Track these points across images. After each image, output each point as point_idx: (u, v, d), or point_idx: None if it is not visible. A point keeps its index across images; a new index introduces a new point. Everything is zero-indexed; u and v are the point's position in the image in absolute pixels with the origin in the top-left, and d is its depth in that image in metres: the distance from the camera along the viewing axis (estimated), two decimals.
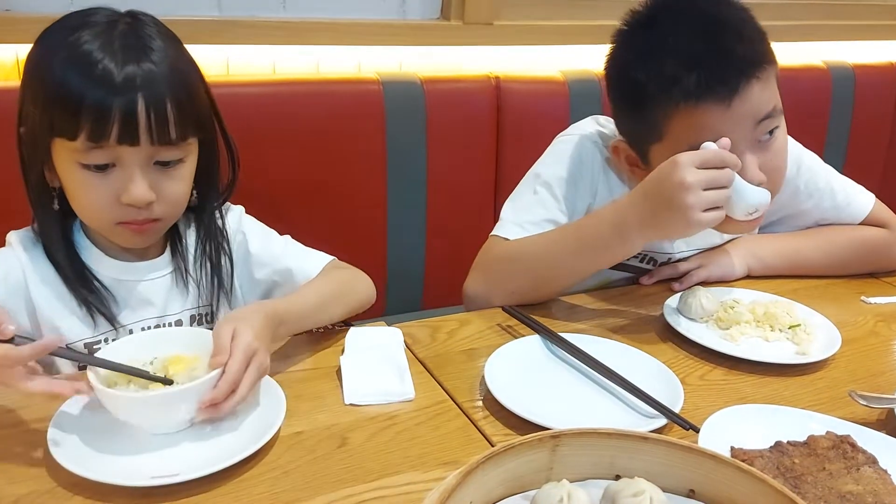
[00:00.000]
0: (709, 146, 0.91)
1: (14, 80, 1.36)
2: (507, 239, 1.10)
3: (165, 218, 0.93)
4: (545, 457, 0.62)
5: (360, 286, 1.05)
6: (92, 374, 0.73)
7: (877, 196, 1.29)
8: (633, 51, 1.04)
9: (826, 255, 1.20)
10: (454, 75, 1.67)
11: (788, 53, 2.11)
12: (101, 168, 0.86)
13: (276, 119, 1.44)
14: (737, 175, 0.92)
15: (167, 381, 0.74)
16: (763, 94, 1.00)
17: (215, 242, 1.02)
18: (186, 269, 1.00)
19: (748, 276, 1.19)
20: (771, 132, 1.02)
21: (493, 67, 1.70)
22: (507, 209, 1.15)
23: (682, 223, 0.90)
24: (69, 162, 0.86)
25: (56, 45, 0.86)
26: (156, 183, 0.88)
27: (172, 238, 1.01)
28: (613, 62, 1.09)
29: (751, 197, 0.94)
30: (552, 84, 1.70)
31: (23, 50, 1.38)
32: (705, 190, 0.88)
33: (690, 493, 0.62)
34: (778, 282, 1.16)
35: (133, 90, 0.83)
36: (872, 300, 1.12)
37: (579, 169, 1.14)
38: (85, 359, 0.81)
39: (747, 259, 1.19)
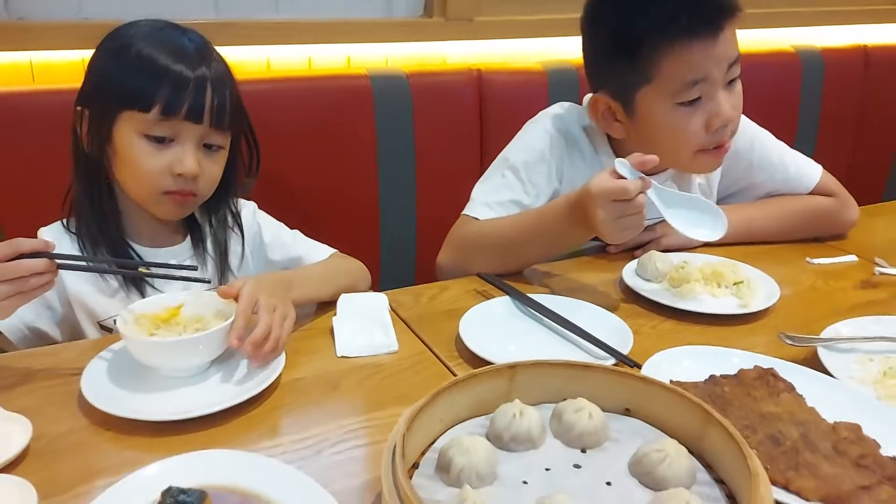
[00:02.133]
0: (621, 167, 1.00)
1: (28, 85, 1.48)
2: (476, 218, 1.21)
3: (200, 194, 1.08)
4: (504, 384, 0.73)
5: (359, 272, 1.19)
6: (121, 322, 0.85)
7: (846, 172, 1.40)
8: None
9: (778, 222, 1.31)
10: (438, 68, 1.79)
11: (758, 39, 2.22)
12: (161, 140, 1.02)
13: (272, 114, 1.54)
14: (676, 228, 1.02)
15: (192, 268, 0.93)
16: (734, 39, 1.13)
17: (225, 230, 1.17)
18: (205, 254, 1.15)
19: (706, 244, 1.30)
20: (733, 80, 1.16)
21: (475, 60, 1.82)
22: (478, 190, 1.27)
23: (608, 239, 1.06)
24: (133, 133, 1.01)
25: (133, 39, 1.02)
26: (201, 161, 1.05)
27: (191, 227, 1.16)
28: (597, 13, 1.19)
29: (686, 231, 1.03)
30: (532, 74, 1.80)
31: (36, 56, 1.51)
32: (619, 217, 1.00)
33: (626, 412, 0.73)
34: (731, 247, 1.27)
35: (205, 80, 1.01)
36: (816, 261, 1.23)
37: (545, 154, 1.26)
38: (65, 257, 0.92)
39: None
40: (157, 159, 1.02)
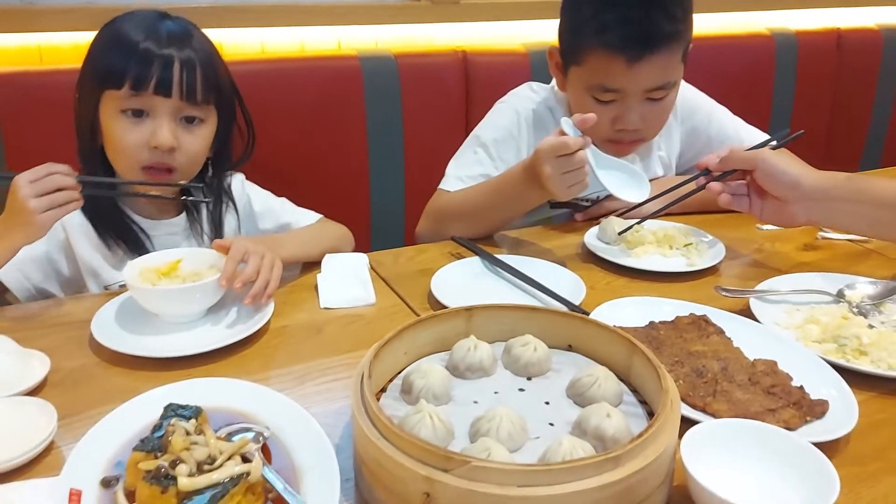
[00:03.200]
0: (565, 125, 1.11)
1: (36, 65, 1.58)
2: (449, 191, 1.32)
3: (180, 169, 1.15)
4: (462, 324, 0.84)
5: (343, 235, 1.31)
6: (126, 271, 0.96)
7: (822, 153, 1.49)
8: None
9: None
10: (425, 50, 1.88)
11: (734, 22, 2.30)
12: (137, 114, 1.10)
13: (266, 94, 1.63)
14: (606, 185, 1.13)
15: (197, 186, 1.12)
16: (663, 69, 1.23)
17: (220, 204, 1.26)
18: (200, 228, 1.24)
19: (668, 214, 1.40)
20: (661, 98, 1.26)
21: (461, 42, 1.91)
22: (452, 166, 1.38)
23: (557, 195, 1.15)
24: (112, 110, 1.10)
25: (116, 25, 1.13)
26: (179, 135, 1.12)
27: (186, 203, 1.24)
28: None
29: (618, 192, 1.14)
30: (515, 56, 1.89)
31: (44, 38, 1.60)
32: (564, 173, 1.10)
33: (569, 348, 0.84)
34: (689, 215, 1.37)
35: (172, 56, 1.09)
36: (766, 227, 1.33)
37: (513, 132, 1.38)
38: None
39: (665, 199, 1.39)
40: (134, 134, 1.10)
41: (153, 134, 1.10)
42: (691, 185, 1.21)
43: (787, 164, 1.09)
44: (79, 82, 1.15)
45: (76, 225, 1.15)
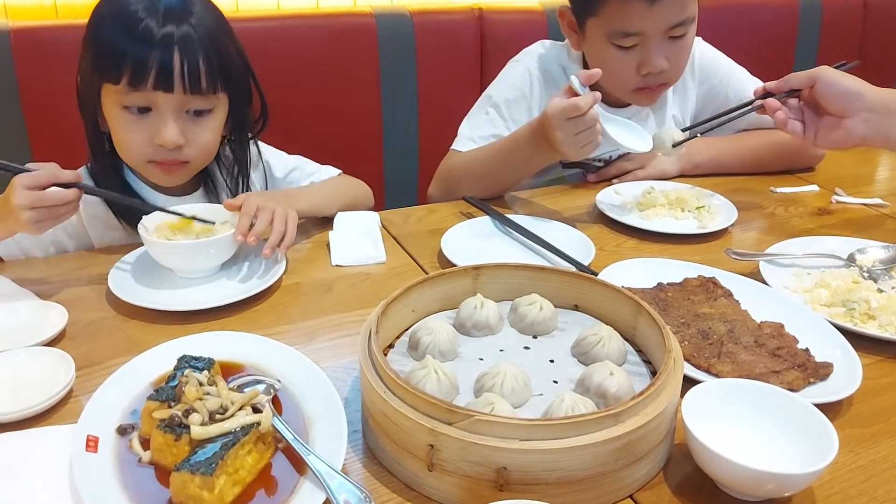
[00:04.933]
0: (575, 82, 1.10)
1: (52, 20, 1.58)
2: (460, 152, 1.32)
3: (193, 162, 1.09)
4: (469, 282, 0.85)
5: (362, 191, 1.30)
6: (142, 227, 0.97)
7: None
8: None
9: (745, 154, 1.40)
10: (441, 7, 1.86)
11: None
12: (142, 111, 1.03)
13: (281, 50, 1.63)
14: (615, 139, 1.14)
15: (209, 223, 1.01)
16: (681, 4, 1.21)
17: (244, 173, 1.22)
18: (218, 202, 1.18)
19: (682, 175, 1.39)
20: (682, 35, 1.25)
21: (477, 0, 1.88)
22: (464, 126, 1.38)
23: (570, 157, 1.17)
24: (113, 105, 1.03)
25: (109, 7, 1.03)
26: (187, 129, 1.05)
27: (205, 176, 1.20)
28: None
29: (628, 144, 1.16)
30: (531, 14, 1.87)
31: None
32: (577, 133, 1.10)
33: (575, 307, 0.85)
34: (703, 178, 1.36)
35: (170, 45, 0.99)
36: (779, 190, 1.32)
37: (525, 92, 1.37)
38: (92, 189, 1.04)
39: (681, 161, 1.39)
40: (137, 132, 1.03)
41: (157, 132, 1.03)
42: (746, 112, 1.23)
43: (848, 77, 1.10)
44: (79, 66, 1.07)
45: (90, 208, 1.13)
